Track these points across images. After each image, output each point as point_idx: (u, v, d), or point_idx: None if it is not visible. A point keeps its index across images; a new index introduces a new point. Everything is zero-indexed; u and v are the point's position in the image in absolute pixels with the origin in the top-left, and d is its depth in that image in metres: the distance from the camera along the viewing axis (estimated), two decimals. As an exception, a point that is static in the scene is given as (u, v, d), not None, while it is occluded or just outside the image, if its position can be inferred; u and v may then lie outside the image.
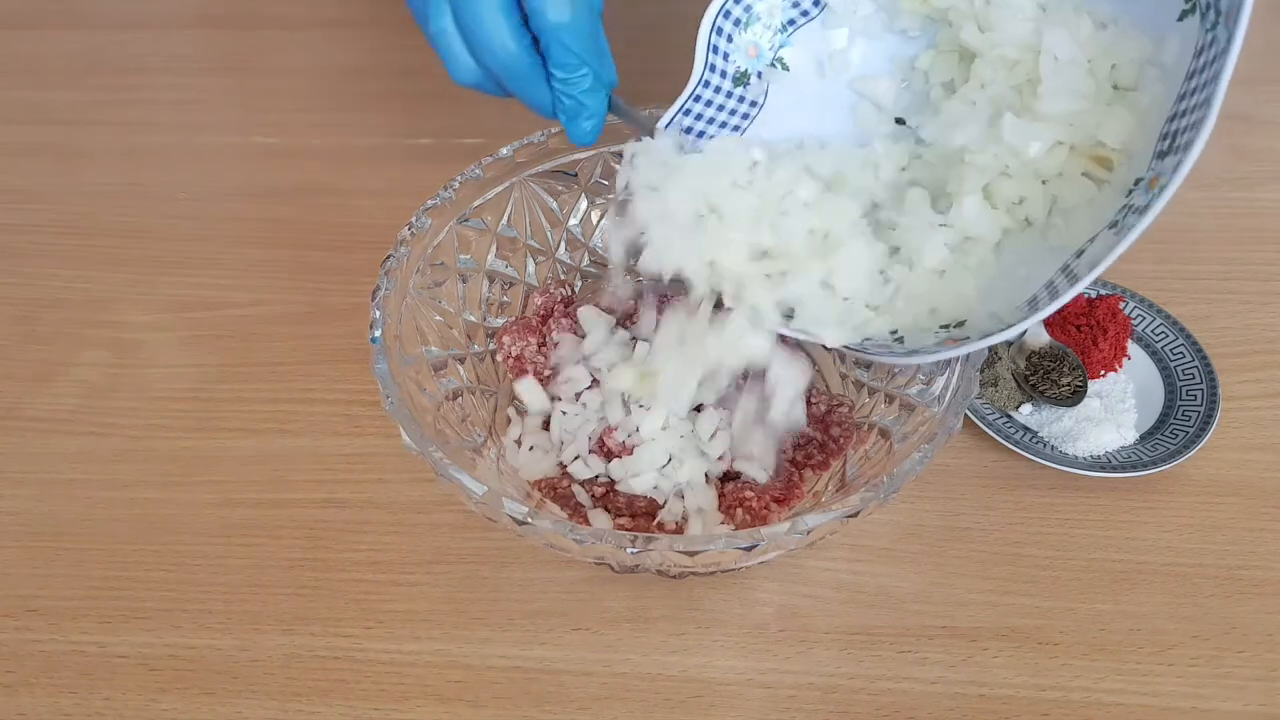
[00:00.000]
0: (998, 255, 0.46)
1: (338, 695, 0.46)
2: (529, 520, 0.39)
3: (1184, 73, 0.39)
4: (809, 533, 0.39)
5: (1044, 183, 0.45)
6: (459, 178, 0.53)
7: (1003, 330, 0.41)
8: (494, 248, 0.55)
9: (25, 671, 0.47)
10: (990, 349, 0.56)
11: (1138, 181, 0.40)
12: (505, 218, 0.55)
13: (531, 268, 0.57)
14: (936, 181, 0.48)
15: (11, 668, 0.47)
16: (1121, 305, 0.59)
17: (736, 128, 0.52)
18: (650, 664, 0.47)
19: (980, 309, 0.44)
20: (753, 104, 0.52)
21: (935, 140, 0.49)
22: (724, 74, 0.51)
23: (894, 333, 0.46)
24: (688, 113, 0.51)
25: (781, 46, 0.52)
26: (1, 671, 0.47)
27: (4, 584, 0.50)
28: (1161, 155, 0.39)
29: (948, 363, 0.47)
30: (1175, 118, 0.39)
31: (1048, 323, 0.59)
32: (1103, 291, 0.60)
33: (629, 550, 0.39)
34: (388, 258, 0.49)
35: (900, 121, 0.51)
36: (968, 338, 0.43)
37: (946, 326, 0.45)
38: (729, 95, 0.52)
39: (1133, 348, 0.58)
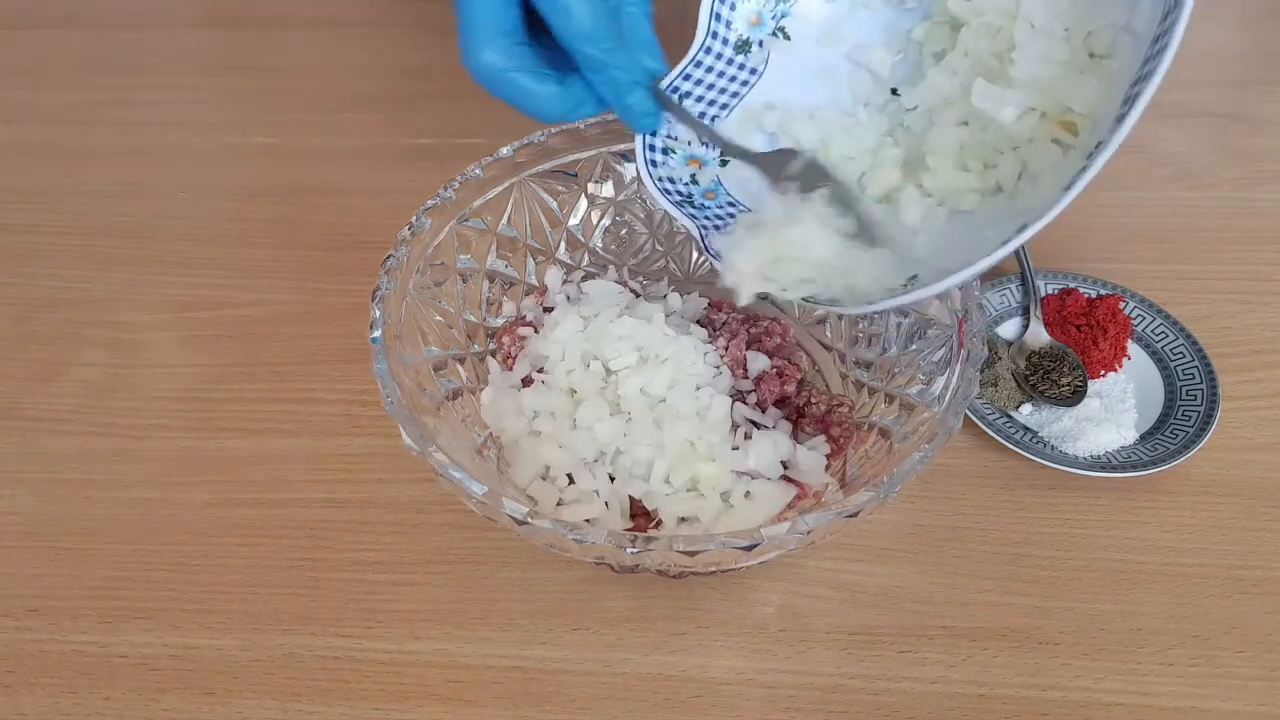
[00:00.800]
0: (967, 219, 0.47)
1: (338, 695, 0.46)
2: (529, 520, 0.39)
3: (1150, 37, 0.40)
4: (809, 533, 0.39)
5: (1015, 149, 0.46)
6: (459, 178, 0.53)
7: (950, 277, 0.41)
8: (494, 248, 0.55)
9: (25, 671, 0.47)
10: (990, 349, 0.57)
11: (1099, 145, 0.40)
12: (505, 218, 0.55)
13: (531, 267, 0.57)
14: (917, 148, 0.49)
15: (11, 668, 0.47)
16: (1121, 305, 0.59)
17: (736, 94, 0.52)
18: (650, 664, 0.47)
19: (938, 267, 0.45)
20: (753, 71, 0.53)
21: (917, 107, 0.50)
22: (725, 41, 0.52)
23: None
24: (688, 78, 0.51)
25: (783, 16, 0.52)
26: (1, 671, 0.47)
27: (4, 584, 0.50)
28: (1120, 119, 0.39)
29: (947, 362, 0.47)
30: (1138, 81, 0.39)
31: (1048, 323, 0.59)
32: (1103, 292, 0.60)
33: (629, 550, 0.39)
34: (388, 258, 0.49)
35: (895, 92, 0.52)
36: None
37: (905, 284, 0.45)
38: (730, 62, 0.52)
39: (1133, 348, 0.58)
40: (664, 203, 0.51)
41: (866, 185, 0.50)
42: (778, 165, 0.48)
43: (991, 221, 0.45)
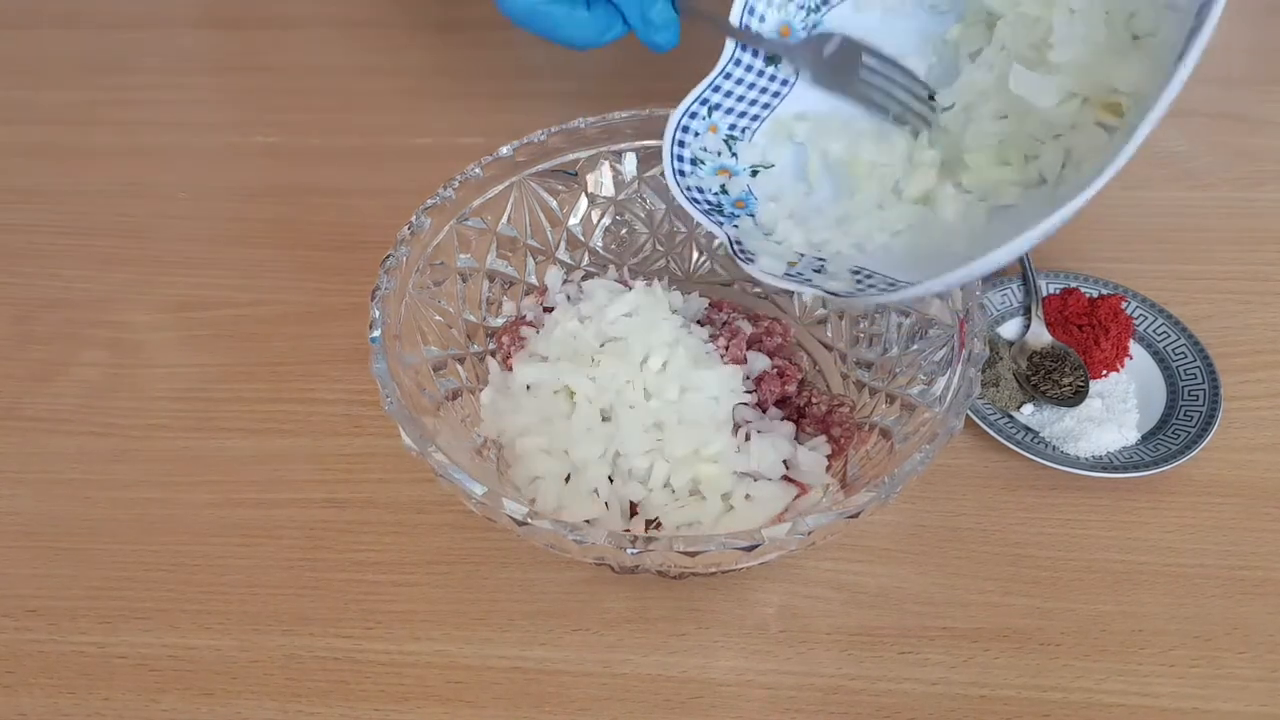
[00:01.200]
0: (1009, 213, 0.46)
1: (338, 695, 0.46)
2: (529, 520, 0.39)
3: (1194, 10, 0.39)
4: (809, 533, 0.39)
5: (1057, 136, 0.45)
6: (459, 177, 0.53)
7: (987, 257, 0.40)
8: (494, 248, 0.55)
9: (25, 671, 0.47)
10: (992, 349, 0.57)
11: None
12: (505, 217, 0.55)
13: (531, 267, 0.57)
14: (954, 148, 0.49)
15: (11, 668, 0.47)
16: (1123, 305, 0.59)
17: (767, 105, 0.52)
18: (650, 665, 0.47)
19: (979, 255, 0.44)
20: (784, 83, 0.53)
21: (954, 105, 0.49)
22: (756, 53, 0.52)
23: (892, 283, 0.46)
24: (717, 89, 0.51)
25: (814, 27, 0.52)
26: (1, 672, 0.47)
27: (4, 584, 0.50)
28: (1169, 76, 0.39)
29: (949, 362, 0.46)
30: (1182, 56, 0.39)
31: (1049, 323, 0.59)
32: (1104, 291, 0.60)
33: (629, 550, 0.38)
34: (387, 257, 0.49)
35: (932, 98, 0.51)
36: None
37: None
38: (760, 74, 0.52)
39: (1134, 348, 0.58)
40: (693, 211, 0.50)
41: (903, 189, 0.50)
42: (815, 52, 0.50)
43: (1034, 214, 0.45)
